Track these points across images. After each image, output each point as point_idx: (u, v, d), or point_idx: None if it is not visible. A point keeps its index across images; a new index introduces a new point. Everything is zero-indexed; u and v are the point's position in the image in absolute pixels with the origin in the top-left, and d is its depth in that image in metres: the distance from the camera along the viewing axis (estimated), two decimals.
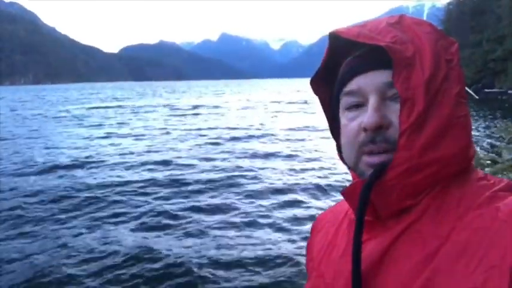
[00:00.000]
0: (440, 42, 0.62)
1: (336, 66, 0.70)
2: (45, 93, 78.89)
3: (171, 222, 5.68)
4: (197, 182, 7.88)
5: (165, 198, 6.88)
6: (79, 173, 8.93)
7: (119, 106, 34.14)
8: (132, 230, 5.38)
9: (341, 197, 0.69)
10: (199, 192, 7.20)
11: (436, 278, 0.53)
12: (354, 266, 0.59)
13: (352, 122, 0.64)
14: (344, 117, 0.67)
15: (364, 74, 0.63)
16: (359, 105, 0.64)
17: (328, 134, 0.75)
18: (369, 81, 0.62)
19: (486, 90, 36.79)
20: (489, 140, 11.94)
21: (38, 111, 29.70)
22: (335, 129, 0.73)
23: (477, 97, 30.41)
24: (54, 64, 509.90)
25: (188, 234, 5.21)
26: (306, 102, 33.91)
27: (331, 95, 0.73)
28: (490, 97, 33.55)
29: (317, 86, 0.75)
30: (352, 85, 0.65)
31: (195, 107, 31.73)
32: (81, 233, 5.28)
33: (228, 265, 4.29)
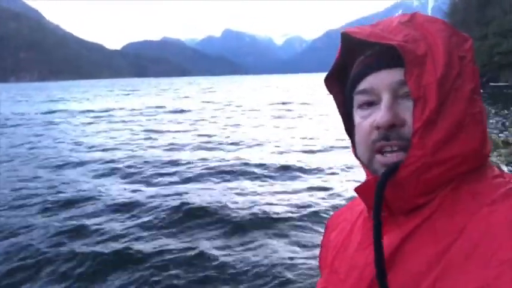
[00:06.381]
0: (454, 39, 0.62)
1: (349, 65, 0.71)
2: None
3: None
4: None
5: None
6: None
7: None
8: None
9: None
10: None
11: (447, 274, 0.53)
12: (377, 255, 0.58)
13: (366, 120, 0.65)
14: (357, 116, 0.68)
15: (376, 73, 0.64)
16: (372, 104, 0.65)
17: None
18: (382, 80, 0.63)
19: (491, 83, 36.44)
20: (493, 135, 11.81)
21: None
22: (349, 127, 0.73)
23: (481, 91, 30.09)
24: (58, 61, 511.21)
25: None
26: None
27: (345, 94, 0.73)
28: (496, 91, 33.21)
29: (331, 84, 0.76)
30: (365, 84, 0.65)
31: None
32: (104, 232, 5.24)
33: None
